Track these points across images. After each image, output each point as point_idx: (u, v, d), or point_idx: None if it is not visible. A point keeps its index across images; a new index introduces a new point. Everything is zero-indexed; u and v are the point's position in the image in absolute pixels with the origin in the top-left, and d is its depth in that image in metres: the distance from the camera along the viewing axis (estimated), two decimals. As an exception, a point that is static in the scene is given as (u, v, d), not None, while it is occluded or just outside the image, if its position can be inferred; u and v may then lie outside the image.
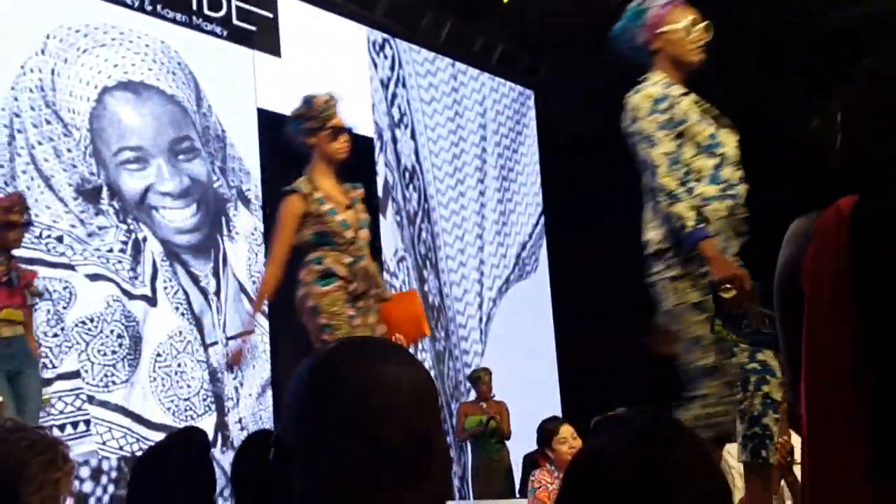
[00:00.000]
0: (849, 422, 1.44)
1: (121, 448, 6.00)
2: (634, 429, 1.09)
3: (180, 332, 6.53)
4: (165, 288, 6.52)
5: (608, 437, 1.11)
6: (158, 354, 6.38)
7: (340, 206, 3.96)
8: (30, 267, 4.90)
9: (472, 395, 7.81)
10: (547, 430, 4.69)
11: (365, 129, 8.23)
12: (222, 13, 7.19)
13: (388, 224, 8.31)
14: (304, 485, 1.02)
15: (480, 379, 7.70)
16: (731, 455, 4.27)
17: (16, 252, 5.23)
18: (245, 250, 7.08)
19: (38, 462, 1.90)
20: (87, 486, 5.83)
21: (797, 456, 4.04)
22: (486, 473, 7.59)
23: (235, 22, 7.28)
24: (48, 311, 5.81)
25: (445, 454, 1.08)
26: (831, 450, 1.46)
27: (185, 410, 6.46)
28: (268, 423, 6.94)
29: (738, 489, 4.16)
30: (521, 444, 8.14)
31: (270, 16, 7.56)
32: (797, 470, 4.04)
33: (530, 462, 7.88)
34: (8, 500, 1.89)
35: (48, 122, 6.02)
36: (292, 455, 1.04)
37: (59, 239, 5.96)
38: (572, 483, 1.10)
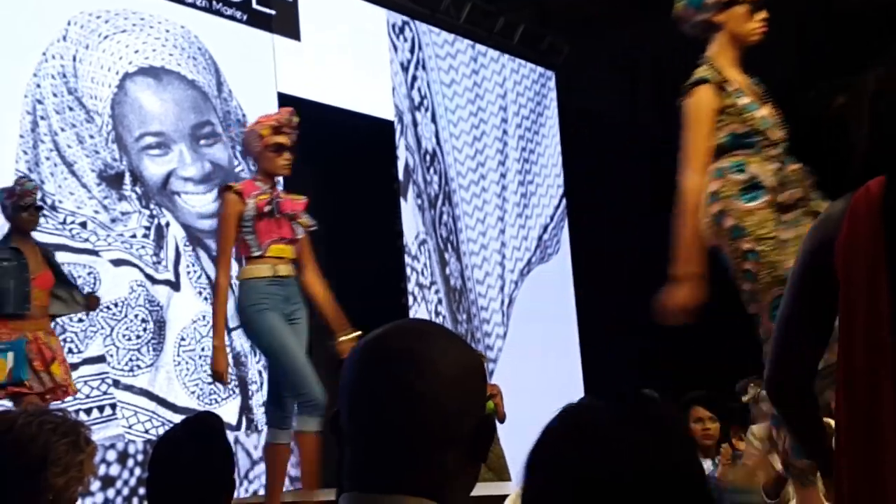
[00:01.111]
0: (884, 409, 1.43)
1: (146, 431, 6.04)
2: (604, 412, 1.05)
3: (203, 317, 6.56)
4: (188, 272, 6.55)
5: (573, 422, 1.07)
6: (182, 338, 6.42)
7: (758, 99, 3.30)
8: (294, 196, 4.39)
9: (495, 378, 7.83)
10: None
11: (385, 112, 8.22)
12: (242, -3, 7.20)
13: (408, 207, 8.31)
14: (356, 458, 1.06)
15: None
16: (755, 436, 4.25)
17: (39, 237, 5.26)
18: (267, 234, 7.10)
19: (62, 444, 1.92)
20: (114, 469, 5.89)
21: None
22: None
23: (255, 6, 7.28)
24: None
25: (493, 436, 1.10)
26: (869, 433, 1.46)
27: (210, 394, 6.51)
28: (291, 407, 6.97)
29: (763, 470, 4.14)
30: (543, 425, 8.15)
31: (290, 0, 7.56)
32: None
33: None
34: (34, 483, 1.90)
35: (70, 109, 6.05)
36: (345, 430, 1.08)
37: (83, 225, 5.99)
38: (543, 461, 1.05)
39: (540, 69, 10.13)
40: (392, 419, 1.04)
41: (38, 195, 5.02)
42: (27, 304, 4.84)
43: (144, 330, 6.20)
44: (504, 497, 4.77)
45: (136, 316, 6.17)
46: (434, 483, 1.04)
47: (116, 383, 5.96)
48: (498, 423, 7.76)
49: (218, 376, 4.14)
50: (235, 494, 6.69)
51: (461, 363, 1.09)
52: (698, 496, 1.01)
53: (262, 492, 6.62)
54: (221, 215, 4.19)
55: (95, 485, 5.80)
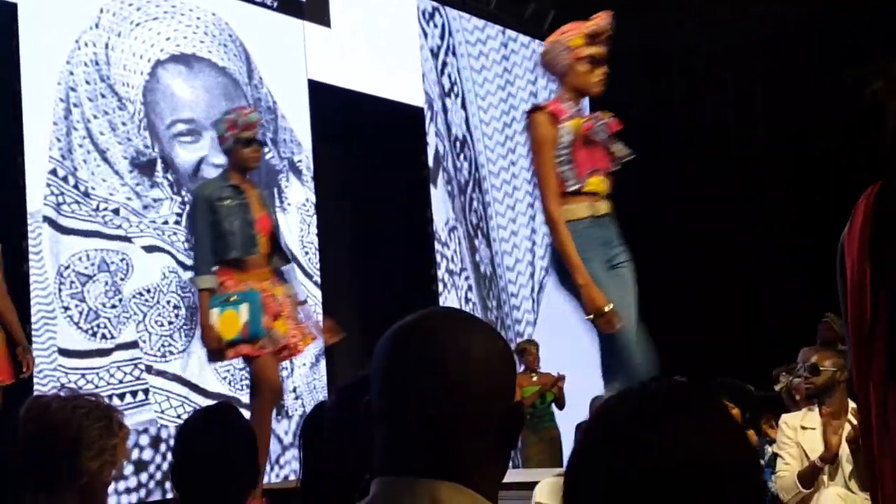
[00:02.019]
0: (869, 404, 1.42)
1: (178, 416, 6.09)
2: (653, 396, 1.04)
3: (235, 303, 6.60)
4: (220, 259, 6.58)
5: (621, 405, 1.06)
6: (214, 325, 6.45)
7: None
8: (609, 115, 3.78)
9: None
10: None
11: (415, 98, 8.21)
12: (272, -16, 7.20)
13: (438, 194, 8.30)
14: (388, 442, 1.07)
15: (527, 351, 7.76)
16: (787, 425, 4.23)
17: (72, 224, 5.28)
18: (297, 221, 7.12)
19: (96, 429, 1.93)
20: (147, 454, 5.94)
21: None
22: (537, 444, 7.62)
23: (285, -7, 7.29)
24: (106, 282, 5.90)
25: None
26: (864, 430, 1.46)
27: (241, 380, 6.54)
28: (322, 393, 7.01)
29: (795, 458, 4.12)
30: (574, 413, 8.13)
31: (320, -14, 7.55)
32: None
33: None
34: (70, 467, 1.92)
35: (103, 96, 6.09)
36: (376, 415, 1.09)
37: (116, 211, 6.04)
38: (585, 457, 1.04)
39: (570, 55, 10.07)
40: (424, 405, 1.06)
41: (260, 131, 4.51)
42: (254, 249, 4.28)
43: (176, 316, 6.25)
44: (532, 483, 4.76)
45: (168, 302, 6.22)
46: (466, 468, 1.05)
47: (149, 369, 6.01)
48: (556, 409, 7.80)
49: (597, 312, 3.53)
50: (266, 479, 6.73)
51: (492, 351, 1.10)
52: (748, 486, 1.00)
53: (292, 477, 6.66)
54: (536, 140, 3.55)
55: (128, 469, 5.85)
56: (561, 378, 7.79)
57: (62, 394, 2.03)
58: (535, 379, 7.72)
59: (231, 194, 4.35)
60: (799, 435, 4.14)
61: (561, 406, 7.79)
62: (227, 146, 4.47)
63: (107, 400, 2.09)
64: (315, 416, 1.98)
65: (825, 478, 4.04)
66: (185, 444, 2.08)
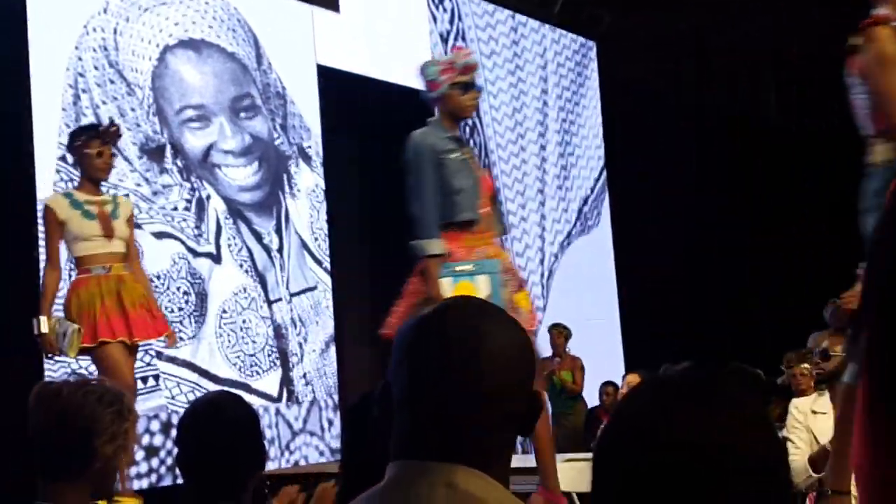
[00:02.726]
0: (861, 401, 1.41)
1: (189, 402, 6.10)
2: (676, 387, 1.05)
3: (244, 289, 6.61)
4: (229, 245, 6.59)
5: (645, 397, 1.07)
6: (224, 311, 6.47)
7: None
8: None
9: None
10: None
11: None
12: (281, -31, 7.18)
13: (448, 179, 8.28)
14: (407, 428, 1.10)
15: (553, 334, 7.84)
16: (798, 409, 4.22)
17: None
18: (307, 207, 7.12)
19: (108, 413, 1.93)
20: (158, 440, 5.96)
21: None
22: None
23: (294, -22, 7.26)
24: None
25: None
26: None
27: (251, 366, 6.56)
28: (332, 379, 7.02)
29: (805, 443, 4.11)
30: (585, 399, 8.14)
31: (329, -29, 7.53)
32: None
33: (594, 417, 7.88)
34: (85, 452, 1.92)
35: (112, 82, 6.08)
36: (396, 401, 1.12)
37: (126, 197, 6.03)
38: (604, 450, 1.05)
39: (581, 39, 10.04)
40: (444, 392, 1.08)
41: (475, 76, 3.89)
42: (481, 211, 3.75)
43: (186, 302, 6.25)
44: (533, 468, 4.76)
45: (178, 288, 6.23)
46: (481, 454, 1.07)
47: (159, 355, 6.02)
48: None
49: None
50: (277, 465, 6.75)
51: (513, 341, 1.12)
52: (773, 479, 1.00)
53: (303, 462, 6.68)
54: (882, 56, 2.97)
55: (140, 454, 5.87)
56: (574, 361, 7.85)
57: (71, 380, 2.02)
58: (557, 362, 7.80)
59: (454, 147, 3.77)
60: (809, 419, 4.13)
61: (571, 392, 7.80)
62: (439, 92, 3.85)
63: (115, 384, 2.09)
64: (361, 404, 1.99)
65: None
66: (189, 432, 2.08)
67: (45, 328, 4.20)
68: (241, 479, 2.04)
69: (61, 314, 4.33)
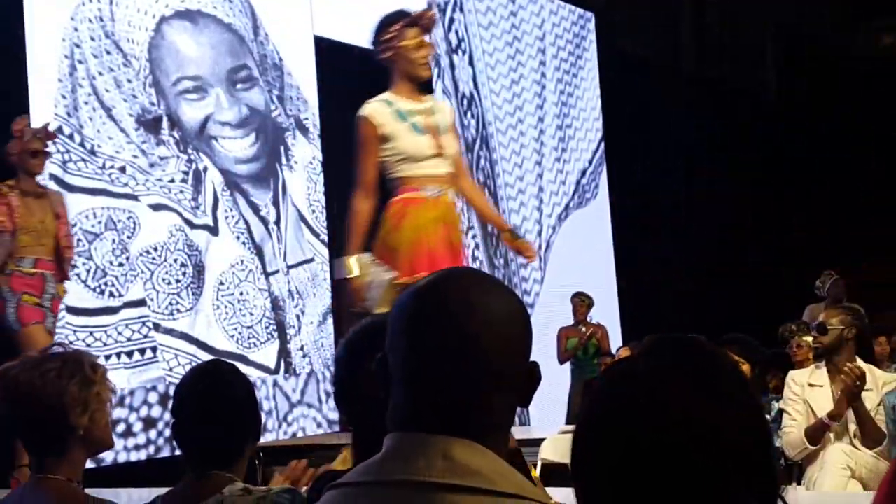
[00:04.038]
0: None
1: (187, 374, 6.12)
2: (672, 354, 1.06)
3: (242, 261, 6.61)
4: (227, 217, 6.58)
5: (641, 363, 1.07)
6: (221, 283, 6.46)
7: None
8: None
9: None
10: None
11: (422, 55, 8.13)
12: (277, -61, 7.12)
13: (446, 152, 8.25)
14: (403, 400, 1.10)
15: (575, 303, 7.94)
16: (795, 381, 4.22)
17: (78, 182, 5.29)
18: (304, 179, 7.10)
19: (73, 386, 1.91)
20: (156, 412, 5.98)
21: (868, 382, 3.98)
22: (581, 396, 7.68)
23: (291, -52, 7.20)
24: (113, 240, 5.90)
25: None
26: None
27: (249, 338, 6.56)
28: (329, 351, 7.03)
29: (802, 415, 4.12)
30: (563, 372, 8.15)
31: (326, -59, 7.47)
32: (862, 396, 3.98)
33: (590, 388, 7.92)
34: (61, 430, 1.91)
35: (108, 53, 6.05)
36: (392, 373, 1.11)
37: (122, 169, 6.02)
38: (598, 411, 1.05)
39: (579, 10, 9.98)
40: (441, 363, 1.07)
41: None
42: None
43: (184, 274, 6.25)
44: (538, 440, 4.78)
45: (175, 260, 6.22)
46: (479, 426, 1.07)
47: (157, 327, 6.02)
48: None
49: None
50: (274, 437, 6.76)
51: (509, 310, 1.11)
52: (757, 453, 1.00)
53: (300, 434, 6.70)
54: None
55: (137, 426, 5.89)
56: (598, 328, 8.00)
57: (25, 362, 1.99)
58: (582, 330, 7.89)
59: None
60: (806, 392, 4.13)
61: (606, 353, 7.90)
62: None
63: (66, 347, 2.07)
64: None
65: (832, 435, 4.04)
66: (186, 401, 2.08)
67: (356, 269, 3.27)
68: (238, 447, 2.04)
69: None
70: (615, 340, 8.66)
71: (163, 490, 2.15)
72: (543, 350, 7.80)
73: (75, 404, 1.90)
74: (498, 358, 1.08)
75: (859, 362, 4.08)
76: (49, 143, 4.90)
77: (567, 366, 7.95)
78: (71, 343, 5.10)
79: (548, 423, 6.95)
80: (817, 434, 4.02)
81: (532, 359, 1.14)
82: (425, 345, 1.09)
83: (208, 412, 2.02)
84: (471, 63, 8.69)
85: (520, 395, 1.11)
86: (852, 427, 4.01)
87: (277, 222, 6.86)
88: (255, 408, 2.10)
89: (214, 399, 2.03)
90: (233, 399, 2.05)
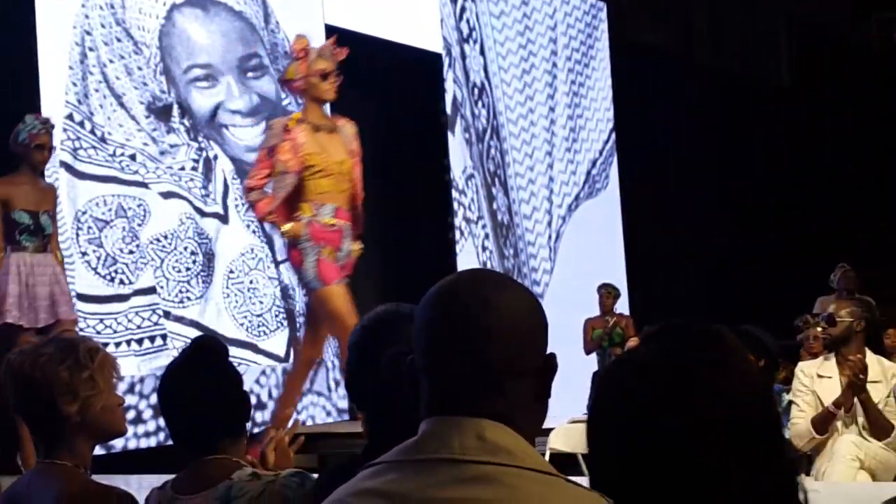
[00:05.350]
0: None
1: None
2: (673, 340, 1.12)
3: (252, 249, 6.62)
4: (237, 205, 6.58)
5: (643, 349, 1.14)
6: (231, 271, 6.48)
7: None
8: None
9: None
10: None
11: (433, 44, 8.13)
12: (289, -73, 7.11)
13: (456, 141, 8.25)
14: (433, 389, 1.18)
15: (601, 294, 8.01)
16: (804, 373, 4.21)
17: (89, 170, 5.28)
18: (314, 168, 7.10)
19: (63, 371, 1.89)
20: (165, 399, 5.99)
21: (871, 374, 3.97)
22: None
23: (302, -64, 7.19)
24: (124, 228, 5.92)
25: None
26: None
27: (258, 326, 6.58)
28: (339, 339, 7.03)
29: (811, 406, 4.11)
30: (590, 362, 8.14)
31: (337, -71, 7.45)
32: (868, 387, 3.97)
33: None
34: (51, 416, 1.91)
35: (119, 40, 6.05)
36: (419, 365, 1.20)
37: (133, 157, 6.03)
38: (602, 399, 1.13)
39: (591, 0, 9.94)
40: (465, 356, 1.16)
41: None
42: None
43: (194, 262, 6.26)
44: (547, 430, 4.78)
45: (185, 248, 6.23)
46: (506, 411, 1.14)
47: (167, 314, 6.04)
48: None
49: None
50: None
51: (525, 306, 1.20)
52: (766, 437, 1.04)
53: (309, 423, 6.71)
54: None
55: (147, 413, 5.91)
56: (624, 318, 8.07)
57: (25, 347, 1.99)
58: (608, 320, 7.97)
59: None
60: (815, 383, 4.13)
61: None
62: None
63: (75, 333, 2.06)
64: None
65: (840, 425, 4.03)
66: (169, 387, 2.09)
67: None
68: (222, 433, 2.04)
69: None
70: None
71: (172, 476, 2.15)
72: (552, 340, 7.78)
73: (64, 389, 1.89)
74: (513, 348, 1.16)
75: (868, 354, 4.07)
76: (335, 58, 4.34)
77: (594, 356, 8.02)
78: (81, 330, 5.12)
79: (570, 413, 6.94)
80: (824, 423, 4.01)
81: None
82: (446, 341, 1.17)
83: (190, 398, 2.03)
84: (482, 53, 8.67)
85: (538, 383, 1.18)
86: (861, 418, 4.00)
87: (287, 211, 6.86)
88: (239, 390, 2.11)
89: (197, 384, 2.04)
90: (224, 379, 2.06)
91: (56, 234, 4.78)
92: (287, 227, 4.16)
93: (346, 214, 4.20)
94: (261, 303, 6.61)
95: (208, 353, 2.11)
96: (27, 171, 4.57)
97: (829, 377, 4.10)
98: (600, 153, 9.84)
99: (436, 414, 1.16)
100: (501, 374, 1.15)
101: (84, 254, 5.67)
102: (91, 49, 5.89)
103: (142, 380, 5.88)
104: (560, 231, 9.24)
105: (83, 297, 5.58)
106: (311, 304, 4.18)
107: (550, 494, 1.09)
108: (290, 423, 3.61)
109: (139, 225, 6.00)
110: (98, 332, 5.56)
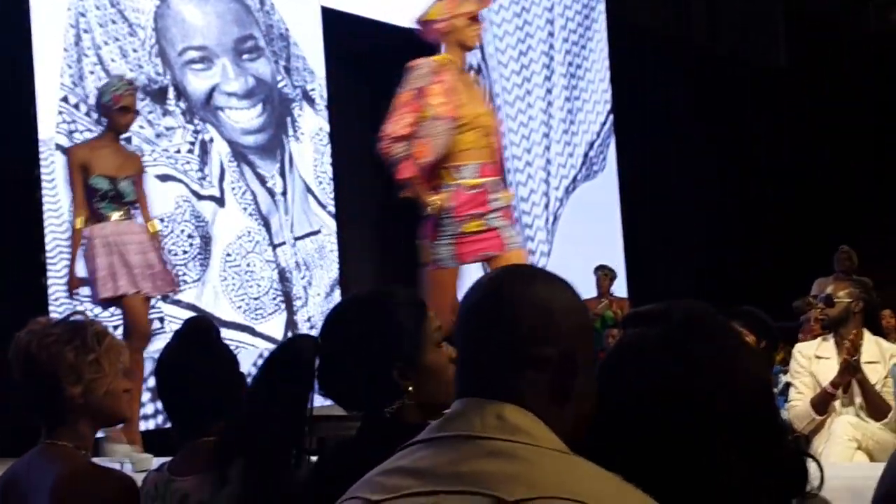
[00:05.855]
0: None
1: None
2: (670, 322, 1.17)
3: (249, 232, 6.60)
4: (233, 188, 6.57)
5: (642, 331, 1.20)
6: (228, 254, 6.47)
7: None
8: None
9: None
10: None
11: (430, 26, 8.08)
12: None
13: (453, 123, 8.21)
14: (462, 373, 1.26)
15: (599, 276, 8.06)
16: (802, 354, 4.21)
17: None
18: (310, 150, 7.08)
19: (68, 352, 1.89)
20: (163, 382, 5.99)
21: (870, 355, 3.97)
22: None
23: (297, -83, 7.14)
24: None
25: (591, 376, 1.25)
26: None
27: (256, 310, 6.57)
28: (336, 322, 7.03)
29: (808, 388, 4.12)
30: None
31: None
32: (866, 368, 3.97)
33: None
34: (55, 399, 1.90)
35: (113, 22, 6.02)
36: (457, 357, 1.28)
37: (128, 140, 5.99)
38: (605, 381, 1.18)
39: (588, -19, 9.89)
40: (487, 343, 1.23)
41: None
42: None
43: (191, 245, 6.25)
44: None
45: (182, 231, 6.22)
46: (525, 397, 1.20)
47: (164, 297, 6.02)
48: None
49: None
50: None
51: (551, 300, 1.25)
52: (767, 430, 1.06)
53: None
54: None
55: (145, 396, 5.91)
56: (618, 301, 8.11)
57: (34, 327, 1.98)
58: (604, 302, 8.01)
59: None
60: (813, 364, 4.13)
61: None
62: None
63: (84, 316, 2.05)
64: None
65: (838, 405, 4.04)
66: (163, 368, 2.09)
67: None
68: (217, 413, 2.04)
69: None
70: (622, 313, 8.65)
71: (169, 459, 2.15)
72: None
73: (69, 371, 1.88)
74: (533, 340, 1.21)
75: (867, 335, 4.07)
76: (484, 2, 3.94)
77: None
78: (80, 314, 5.11)
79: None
80: (823, 404, 4.01)
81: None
82: (469, 326, 1.26)
83: (186, 378, 2.03)
84: (479, 34, 8.62)
85: (555, 376, 1.22)
86: (858, 399, 4.00)
87: (284, 193, 6.85)
88: (235, 370, 2.11)
89: (192, 364, 2.04)
90: (208, 364, 2.06)
91: (145, 203, 4.59)
92: (434, 198, 3.69)
93: (491, 169, 3.78)
94: (258, 286, 6.60)
95: (199, 332, 2.11)
96: (110, 135, 4.43)
97: (828, 358, 4.10)
98: (597, 135, 9.82)
99: (463, 396, 1.24)
100: (522, 362, 1.21)
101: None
102: (86, 31, 5.85)
103: (139, 363, 5.87)
104: (557, 213, 9.23)
105: (80, 281, 5.55)
106: (432, 280, 3.65)
107: (566, 469, 1.13)
108: None
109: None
110: (96, 316, 5.54)
